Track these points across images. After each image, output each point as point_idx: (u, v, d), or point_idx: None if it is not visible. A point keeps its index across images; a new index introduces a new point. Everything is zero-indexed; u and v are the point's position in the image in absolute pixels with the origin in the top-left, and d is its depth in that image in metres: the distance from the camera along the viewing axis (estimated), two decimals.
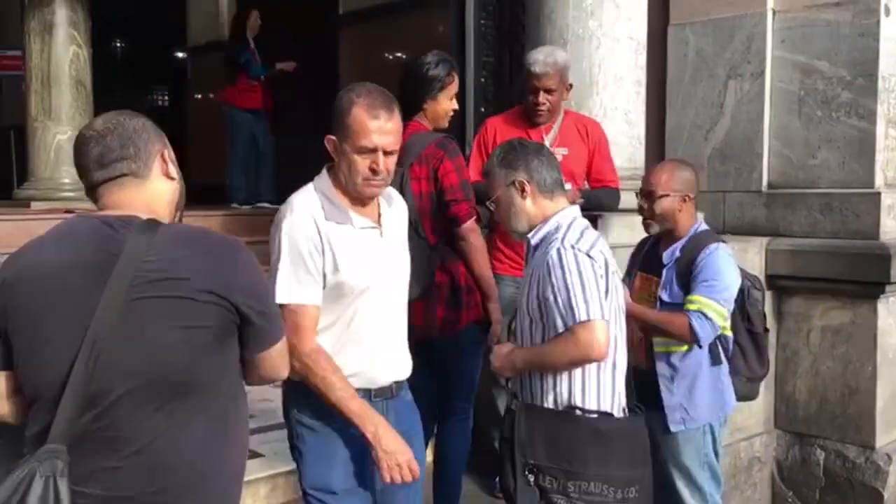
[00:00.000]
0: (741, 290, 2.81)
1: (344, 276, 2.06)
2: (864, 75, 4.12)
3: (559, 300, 2.12)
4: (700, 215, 2.96)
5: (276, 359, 1.74)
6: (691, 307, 2.65)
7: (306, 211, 2.06)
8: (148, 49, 10.46)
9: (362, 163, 2.04)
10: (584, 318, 2.09)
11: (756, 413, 4.17)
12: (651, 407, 2.70)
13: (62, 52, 6.13)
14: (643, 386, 2.65)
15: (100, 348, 1.50)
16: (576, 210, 2.33)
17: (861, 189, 4.14)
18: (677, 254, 2.77)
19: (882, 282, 3.91)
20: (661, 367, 2.79)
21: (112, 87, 7.78)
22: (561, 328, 2.14)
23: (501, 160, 2.32)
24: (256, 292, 1.65)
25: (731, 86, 4.55)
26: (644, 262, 2.93)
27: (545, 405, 2.22)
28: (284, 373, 1.83)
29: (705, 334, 2.65)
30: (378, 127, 2.02)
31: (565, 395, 2.20)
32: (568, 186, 3.20)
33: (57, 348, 1.51)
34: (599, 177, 3.43)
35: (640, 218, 3.66)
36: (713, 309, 2.63)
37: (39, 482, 1.45)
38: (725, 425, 2.98)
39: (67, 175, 6.16)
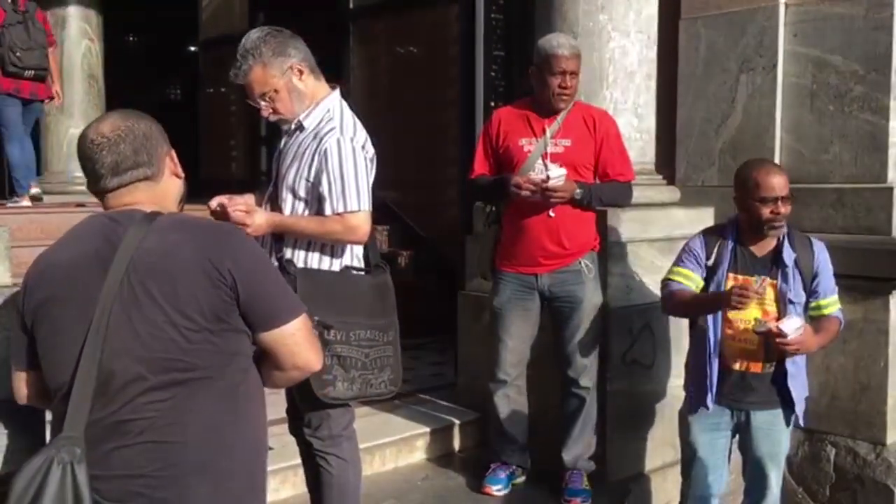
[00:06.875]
0: None
1: None
2: (877, 69, 4.09)
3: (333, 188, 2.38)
4: None
5: (291, 344, 1.65)
6: (834, 308, 2.98)
7: None
8: (160, 43, 10.48)
9: None
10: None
11: None
12: (765, 405, 2.93)
13: (75, 47, 6.19)
14: (758, 386, 2.89)
15: (103, 335, 1.53)
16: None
17: (874, 184, 4.11)
18: (793, 254, 2.90)
19: (894, 278, 3.88)
20: (790, 367, 2.90)
21: (124, 81, 7.81)
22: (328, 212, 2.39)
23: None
24: (254, 270, 1.64)
25: (742, 80, 4.52)
26: (739, 264, 2.90)
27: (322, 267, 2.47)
28: (313, 361, 1.71)
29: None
30: None
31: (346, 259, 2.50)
32: (562, 171, 3.05)
33: (69, 339, 1.55)
34: (606, 170, 3.26)
35: (651, 212, 3.67)
36: (839, 300, 3.02)
37: (57, 469, 1.48)
38: None
39: (80, 169, 6.17)
